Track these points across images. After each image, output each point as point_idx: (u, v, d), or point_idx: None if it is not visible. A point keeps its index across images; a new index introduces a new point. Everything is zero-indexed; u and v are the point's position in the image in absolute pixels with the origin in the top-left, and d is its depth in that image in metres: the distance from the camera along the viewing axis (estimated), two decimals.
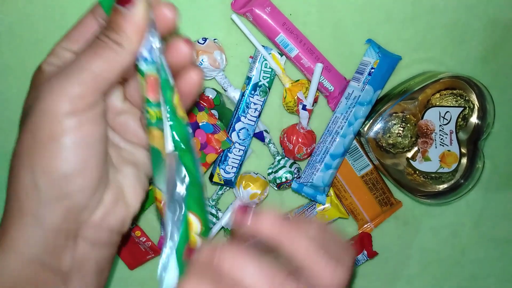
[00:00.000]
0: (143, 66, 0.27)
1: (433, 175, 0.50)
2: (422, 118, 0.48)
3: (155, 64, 0.27)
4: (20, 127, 0.28)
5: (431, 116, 0.48)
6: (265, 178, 0.50)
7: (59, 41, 0.29)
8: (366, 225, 0.52)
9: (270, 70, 0.46)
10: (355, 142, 0.50)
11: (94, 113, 0.26)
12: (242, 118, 0.47)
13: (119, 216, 0.30)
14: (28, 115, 0.26)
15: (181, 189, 0.27)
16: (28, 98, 0.29)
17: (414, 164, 0.50)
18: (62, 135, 0.25)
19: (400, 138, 0.48)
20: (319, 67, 0.45)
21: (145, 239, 0.50)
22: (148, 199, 0.47)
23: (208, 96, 0.47)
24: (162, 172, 0.27)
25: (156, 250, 0.51)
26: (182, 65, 0.29)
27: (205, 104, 0.46)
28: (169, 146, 0.27)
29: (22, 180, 0.26)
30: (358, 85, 0.46)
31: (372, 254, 0.51)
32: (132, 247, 0.51)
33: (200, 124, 0.45)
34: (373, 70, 0.46)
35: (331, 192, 0.51)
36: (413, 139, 0.49)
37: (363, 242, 0.51)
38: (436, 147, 0.49)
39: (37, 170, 0.26)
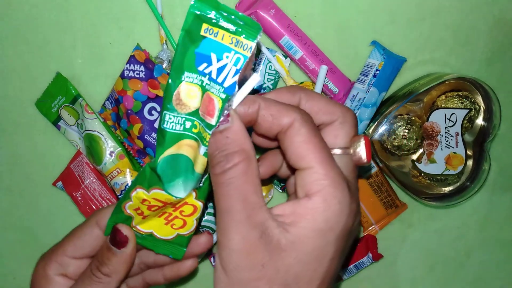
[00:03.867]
0: None
1: (439, 177, 0.50)
2: (427, 120, 0.48)
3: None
4: None
5: (437, 118, 0.48)
6: (269, 180, 0.50)
7: (63, 245, 0.33)
8: (371, 228, 0.52)
9: (274, 72, 0.46)
10: None
11: None
12: None
13: None
14: None
15: None
16: None
17: (420, 166, 0.49)
18: None
19: (405, 140, 0.48)
20: (323, 69, 0.45)
21: None
22: None
23: None
24: None
25: None
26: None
27: None
28: None
29: None
30: (363, 87, 0.46)
31: (377, 257, 0.51)
32: None
33: None
34: (378, 72, 0.46)
35: None
36: (418, 141, 0.48)
37: (368, 245, 0.51)
38: (441, 149, 0.49)
39: None
